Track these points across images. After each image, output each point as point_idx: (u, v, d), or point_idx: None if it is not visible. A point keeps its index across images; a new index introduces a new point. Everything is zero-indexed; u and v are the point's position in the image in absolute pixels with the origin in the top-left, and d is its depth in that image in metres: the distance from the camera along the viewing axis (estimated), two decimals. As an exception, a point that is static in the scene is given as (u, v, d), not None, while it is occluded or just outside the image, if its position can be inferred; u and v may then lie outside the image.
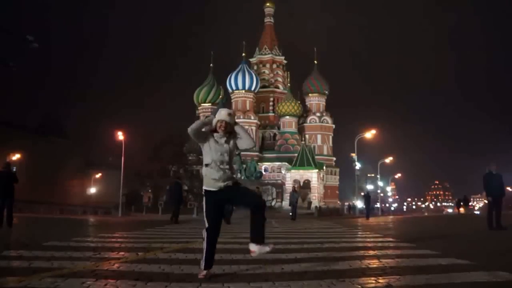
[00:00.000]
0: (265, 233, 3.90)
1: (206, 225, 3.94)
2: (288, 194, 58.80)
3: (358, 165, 40.68)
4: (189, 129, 3.94)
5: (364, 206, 28.96)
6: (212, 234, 3.92)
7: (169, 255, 5.44)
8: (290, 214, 21.66)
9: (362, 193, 31.28)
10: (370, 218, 23.13)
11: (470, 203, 43.44)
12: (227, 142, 3.97)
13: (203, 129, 4.00)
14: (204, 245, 3.87)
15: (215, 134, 3.99)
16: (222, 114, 4.03)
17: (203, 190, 4.03)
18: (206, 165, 3.96)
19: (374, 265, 4.59)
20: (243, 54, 74.06)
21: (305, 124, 71.69)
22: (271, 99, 75.47)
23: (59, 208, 37.84)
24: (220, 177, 3.89)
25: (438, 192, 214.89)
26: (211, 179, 3.92)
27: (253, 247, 3.84)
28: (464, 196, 38.09)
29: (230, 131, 3.99)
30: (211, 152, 3.94)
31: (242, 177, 55.06)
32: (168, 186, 22.00)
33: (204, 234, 3.92)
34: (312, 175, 60.29)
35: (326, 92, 74.61)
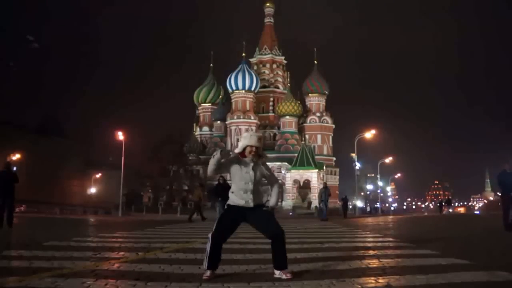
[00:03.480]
0: (286, 259, 3.87)
1: (214, 229, 3.89)
2: (289, 194, 59.74)
3: (358, 165, 40.76)
4: (209, 173, 3.94)
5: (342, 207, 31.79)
6: (218, 238, 3.85)
7: (169, 255, 5.44)
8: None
9: (342, 196, 33.69)
10: (363, 219, 23.51)
11: (452, 204, 44.85)
12: (253, 169, 3.89)
13: (222, 161, 3.85)
14: (208, 246, 3.82)
15: (243, 160, 3.90)
16: (254, 140, 3.90)
17: (226, 205, 4.02)
18: (231, 191, 3.96)
19: (374, 265, 4.59)
20: (243, 54, 73.93)
21: (305, 124, 71.62)
22: (271, 99, 75.37)
23: (59, 208, 37.84)
24: (243, 204, 3.89)
25: (438, 192, 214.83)
26: (234, 203, 3.93)
27: (277, 273, 3.81)
28: (447, 198, 38.77)
29: (259, 155, 3.93)
30: (236, 179, 3.89)
31: None
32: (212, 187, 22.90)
33: (210, 237, 3.86)
34: (312, 175, 60.24)
35: (326, 92, 74.52)
